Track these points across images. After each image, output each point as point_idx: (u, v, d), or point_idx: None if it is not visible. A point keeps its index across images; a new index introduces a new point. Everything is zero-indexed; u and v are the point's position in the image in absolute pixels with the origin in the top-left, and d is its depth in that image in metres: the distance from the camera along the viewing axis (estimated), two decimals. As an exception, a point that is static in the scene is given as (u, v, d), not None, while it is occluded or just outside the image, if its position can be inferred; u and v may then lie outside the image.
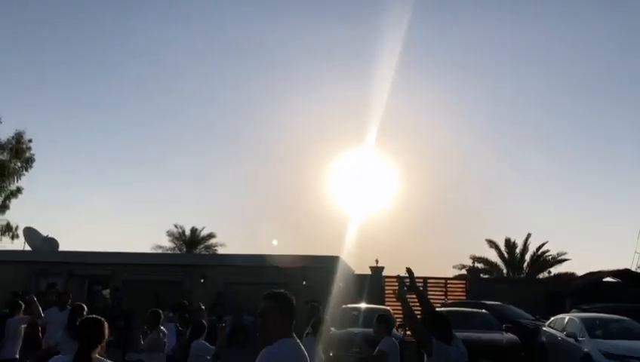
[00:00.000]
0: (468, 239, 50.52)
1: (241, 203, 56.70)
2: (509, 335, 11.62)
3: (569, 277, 25.83)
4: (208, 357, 6.50)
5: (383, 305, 18.68)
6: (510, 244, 28.10)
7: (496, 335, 11.58)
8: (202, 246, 30.53)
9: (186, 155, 58.57)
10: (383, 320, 5.73)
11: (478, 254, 28.37)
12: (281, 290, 3.27)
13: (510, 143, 54.39)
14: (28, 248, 22.08)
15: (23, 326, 6.84)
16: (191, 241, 30.32)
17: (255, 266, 17.50)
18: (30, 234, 22.53)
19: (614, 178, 52.38)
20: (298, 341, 3.17)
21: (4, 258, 19.13)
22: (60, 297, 8.60)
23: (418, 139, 57.41)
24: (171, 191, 55.14)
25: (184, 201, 53.46)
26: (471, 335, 11.46)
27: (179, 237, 30.14)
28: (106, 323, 3.35)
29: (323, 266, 17.40)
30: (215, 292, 16.44)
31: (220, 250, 29.85)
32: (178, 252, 29.29)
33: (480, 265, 28.12)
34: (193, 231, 30.44)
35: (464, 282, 23.49)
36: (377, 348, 5.64)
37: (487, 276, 27.18)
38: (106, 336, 3.29)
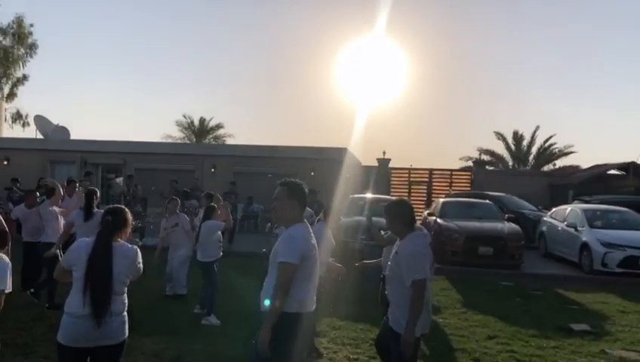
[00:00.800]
0: (476, 131, 50.54)
1: (250, 94, 56.30)
2: (511, 225, 11.98)
3: (574, 169, 26.11)
4: (219, 233, 7.03)
5: (389, 195, 19.16)
6: (518, 137, 28.09)
7: (498, 225, 11.96)
8: (211, 136, 30.77)
9: (195, 45, 57.15)
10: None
11: (485, 146, 28.53)
12: (296, 179, 3.40)
13: (523, 35, 52.41)
14: (40, 136, 22.33)
15: (59, 210, 7.17)
16: (200, 131, 30.51)
17: (264, 157, 17.77)
18: (41, 122, 22.65)
19: (626, 70, 51.01)
20: (309, 225, 3.35)
21: (20, 146, 19.42)
22: (69, 184, 9.02)
23: (429, 28, 55.28)
24: (180, 81, 54.63)
25: (193, 91, 53.17)
26: (473, 224, 11.91)
27: (188, 127, 30.31)
28: (128, 211, 3.49)
29: (331, 157, 17.61)
30: (225, 182, 16.80)
31: (229, 141, 30.18)
32: (187, 141, 29.59)
33: (486, 157, 28.37)
34: (202, 121, 30.53)
35: (469, 174, 23.82)
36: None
37: (492, 168, 27.48)
38: (128, 224, 3.41)
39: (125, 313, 3.29)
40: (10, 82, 28.70)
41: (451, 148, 51.96)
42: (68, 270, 3.25)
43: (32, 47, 29.28)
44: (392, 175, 23.30)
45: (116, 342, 3.21)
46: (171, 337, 5.61)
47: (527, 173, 25.81)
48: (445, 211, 12.78)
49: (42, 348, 5.02)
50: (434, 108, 56.79)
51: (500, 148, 28.27)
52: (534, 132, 27.53)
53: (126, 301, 3.32)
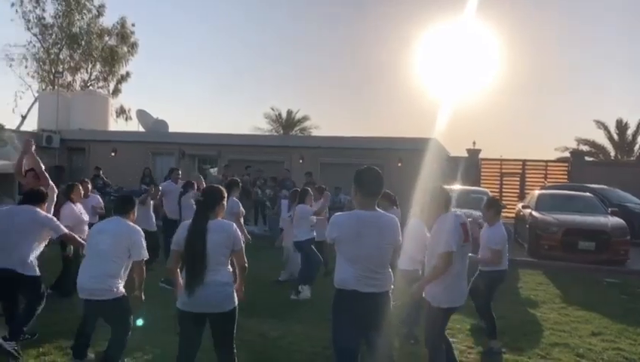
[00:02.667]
0: (573, 120, 47.53)
1: (335, 86, 56.67)
2: (615, 219, 11.28)
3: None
4: (312, 217, 7.49)
5: (479, 187, 18.67)
6: (622, 125, 26.10)
7: (601, 219, 11.30)
8: (298, 128, 31.43)
9: (283, 40, 58.44)
10: (492, 205, 5.80)
11: (583, 136, 26.81)
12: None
13: (626, 15, 48.40)
14: (141, 129, 23.93)
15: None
16: (287, 123, 31.26)
17: (351, 148, 17.89)
18: (142, 116, 24.24)
19: None
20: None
21: (125, 138, 20.95)
22: (172, 172, 10.09)
23: (522, 10, 52.59)
24: (272, 75, 56.15)
25: (280, 85, 54.44)
26: (572, 217, 11.33)
27: (275, 119, 31.16)
28: (221, 191, 3.82)
29: (418, 148, 17.40)
30: (312, 172, 17.13)
31: (314, 132, 30.64)
32: (275, 133, 30.44)
33: (585, 148, 26.66)
34: (289, 113, 31.24)
35: (566, 165, 22.51)
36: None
37: (591, 159, 25.80)
38: (220, 202, 3.75)
39: (231, 284, 3.61)
40: (115, 79, 31.00)
41: (546, 139, 49.37)
42: (178, 250, 3.62)
43: (133, 46, 31.38)
44: (483, 166, 22.58)
45: (222, 310, 3.55)
46: (274, 319, 5.92)
47: (630, 163, 23.96)
48: (542, 203, 12.26)
49: (162, 323, 5.48)
50: (528, 96, 54.14)
51: (600, 138, 26.48)
52: (641, 120, 25.46)
53: (229, 273, 3.65)
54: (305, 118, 31.39)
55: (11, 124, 25.55)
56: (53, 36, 29.39)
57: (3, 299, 4.96)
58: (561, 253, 10.78)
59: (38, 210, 4.99)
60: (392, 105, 58.79)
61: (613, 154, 26.55)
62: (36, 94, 29.02)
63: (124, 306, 4.20)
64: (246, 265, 3.77)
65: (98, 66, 30.57)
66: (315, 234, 7.50)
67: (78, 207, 6.87)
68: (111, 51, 30.04)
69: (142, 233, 4.33)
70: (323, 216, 8.11)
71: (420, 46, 51.04)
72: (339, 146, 18.09)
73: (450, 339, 5.52)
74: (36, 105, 27.28)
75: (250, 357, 4.09)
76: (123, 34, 30.47)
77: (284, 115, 31.31)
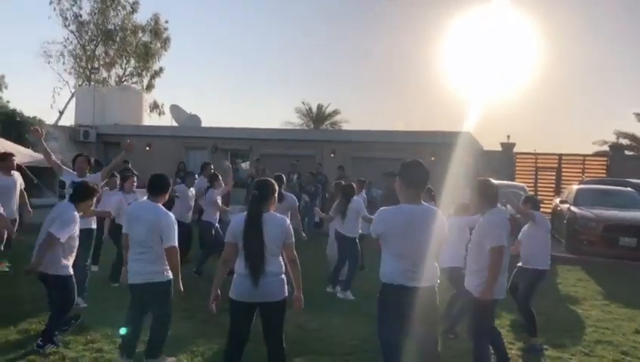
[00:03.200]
0: (612, 113, 46.16)
1: (365, 79, 56.39)
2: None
3: None
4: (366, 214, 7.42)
5: (513, 181, 18.34)
6: (664, 118, 25.21)
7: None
8: (328, 122, 31.45)
9: (313, 34, 58.49)
10: (530, 200, 5.72)
11: (623, 129, 26.02)
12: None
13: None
14: (175, 124, 24.31)
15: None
16: (317, 118, 31.30)
17: (383, 142, 17.80)
18: (176, 111, 24.64)
19: None
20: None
21: (159, 133, 21.31)
22: (204, 168, 10.31)
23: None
24: (300, 70, 56.27)
25: (312, 79, 54.51)
26: (613, 212, 11.03)
27: (306, 113, 31.22)
28: (273, 184, 3.86)
29: (452, 142, 17.19)
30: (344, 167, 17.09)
31: (345, 126, 30.62)
32: (306, 127, 30.54)
33: (625, 141, 25.88)
34: (319, 107, 31.28)
35: (605, 159, 21.91)
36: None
37: (631, 153, 25.03)
38: (272, 195, 3.78)
39: (283, 275, 3.68)
40: (148, 75, 31.61)
41: (584, 132, 48.10)
42: (233, 243, 3.67)
43: (166, 42, 31.92)
44: (517, 160, 22.16)
45: (274, 300, 3.62)
46: (313, 312, 5.93)
47: (673, 158, 23.13)
48: (580, 198, 11.97)
49: (201, 314, 5.58)
50: (565, 88, 52.85)
51: (641, 131, 25.65)
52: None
53: (282, 263, 3.71)
54: (335, 112, 31.44)
55: (50, 119, 26.41)
56: (89, 33, 30.12)
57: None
58: (600, 248, 10.53)
59: (66, 209, 4.73)
60: (423, 98, 58.19)
61: (654, 148, 25.68)
62: (73, 90, 29.81)
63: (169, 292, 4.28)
64: (297, 259, 3.80)
65: (132, 62, 31.18)
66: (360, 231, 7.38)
67: (127, 198, 7.07)
68: (145, 47, 30.60)
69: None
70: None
71: (454, 37, 50.25)
72: (371, 140, 18.02)
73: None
74: (73, 100, 28.03)
75: (290, 348, 4.12)
76: (156, 30, 31.02)
77: (314, 109, 31.41)
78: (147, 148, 20.53)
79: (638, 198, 12.01)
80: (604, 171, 21.09)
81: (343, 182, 8.20)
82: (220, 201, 8.30)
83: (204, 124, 23.21)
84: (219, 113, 56.26)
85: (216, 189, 8.32)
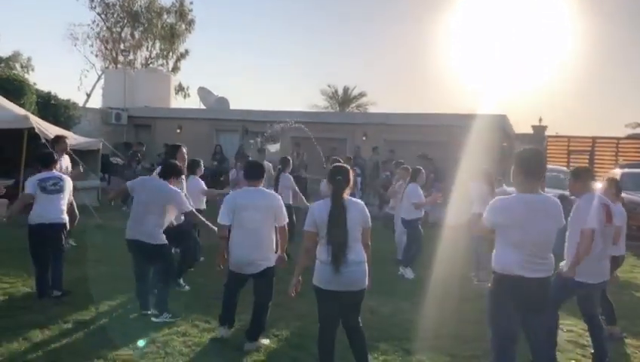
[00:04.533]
0: None
1: (392, 61, 55.80)
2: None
3: None
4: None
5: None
6: (701, 101, 24.55)
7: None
8: (354, 105, 31.27)
9: (335, 16, 57.87)
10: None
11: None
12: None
13: None
14: (202, 107, 24.34)
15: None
16: (343, 100, 31.12)
17: (416, 125, 17.62)
18: (204, 93, 24.64)
19: None
20: None
21: (190, 115, 21.37)
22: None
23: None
24: (326, 51, 55.88)
25: (338, 61, 54.10)
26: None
27: (332, 96, 31.06)
28: (350, 170, 3.86)
29: (487, 125, 16.96)
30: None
31: (371, 109, 30.41)
32: (331, 110, 30.41)
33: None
34: (345, 90, 31.07)
35: (639, 142, 21.54)
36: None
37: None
38: (351, 180, 3.77)
39: (365, 263, 3.70)
40: (174, 57, 31.61)
41: (616, 114, 47.17)
42: (314, 231, 3.71)
43: (190, 24, 31.83)
44: (549, 143, 21.86)
45: (359, 288, 3.65)
46: (385, 296, 5.94)
47: None
48: (626, 183, 11.75)
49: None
50: (597, 70, 51.78)
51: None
52: None
53: (363, 251, 3.73)
54: (361, 95, 31.22)
55: (77, 102, 26.57)
56: (115, 15, 30.12)
57: (137, 264, 5.28)
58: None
59: (167, 183, 5.15)
60: (453, 80, 57.52)
61: (689, 131, 25.11)
62: (99, 73, 29.96)
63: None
64: (369, 243, 3.81)
65: (158, 44, 31.17)
66: (422, 213, 7.54)
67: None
68: (170, 29, 30.55)
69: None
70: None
71: (484, 17, 49.34)
72: (404, 123, 17.84)
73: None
74: (100, 83, 28.19)
75: (370, 335, 4.16)
76: (181, 11, 30.91)
77: (340, 91, 31.24)
78: (178, 131, 20.60)
79: (685, 183, 11.76)
80: (639, 155, 20.73)
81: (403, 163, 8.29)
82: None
83: (232, 106, 23.21)
84: (246, 96, 56.34)
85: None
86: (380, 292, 6.14)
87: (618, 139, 21.99)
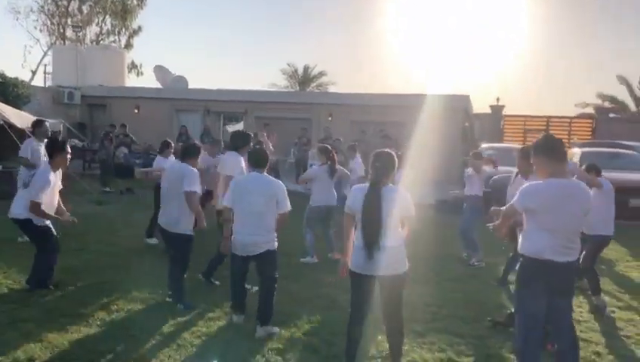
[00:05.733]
0: (595, 76, 46.99)
1: (351, 41, 55.52)
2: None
3: None
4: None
5: (502, 144, 18.62)
6: (646, 81, 25.81)
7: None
8: (314, 84, 31.00)
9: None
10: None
11: (605, 92, 26.58)
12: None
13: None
14: (159, 86, 23.51)
15: None
16: (303, 79, 30.80)
17: (382, 105, 17.66)
18: (160, 72, 23.78)
19: None
20: None
21: (147, 94, 20.52)
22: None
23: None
24: (284, 30, 54.94)
25: (297, 40, 53.36)
26: (620, 175, 11.31)
27: (292, 75, 30.67)
28: (394, 156, 3.77)
29: (452, 105, 17.24)
30: (342, 130, 16.83)
31: (331, 89, 30.26)
32: (291, 90, 30.07)
33: (606, 104, 26.48)
34: (305, 69, 30.75)
35: (590, 121, 22.44)
36: None
37: (614, 115, 25.66)
38: (393, 168, 3.73)
39: (400, 247, 3.64)
40: (127, 33, 30.31)
41: (567, 94, 49.00)
42: (352, 215, 3.68)
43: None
44: (506, 123, 22.47)
45: (396, 273, 3.60)
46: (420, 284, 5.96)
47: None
48: (587, 162, 12.23)
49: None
50: (549, 52, 53.49)
51: (622, 94, 26.25)
52: (664, 75, 25.17)
53: (402, 236, 3.69)
54: (322, 74, 30.95)
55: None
56: (61, -12, 28.51)
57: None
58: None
59: (188, 165, 5.07)
60: (410, 61, 57.92)
61: (634, 110, 26.36)
62: (45, 49, 28.42)
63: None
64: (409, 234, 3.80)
65: (109, 20, 29.78)
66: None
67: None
68: (122, 4, 29.22)
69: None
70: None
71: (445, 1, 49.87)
72: (369, 103, 17.85)
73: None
74: (46, 60, 26.73)
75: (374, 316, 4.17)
76: (133, -14, 29.60)
77: (300, 70, 30.89)
78: (136, 111, 19.86)
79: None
80: (590, 133, 21.65)
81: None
82: None
83: (191, 86, 22.56)
84: (204, 75, 54.85)
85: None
86: (417, 281, 6.21)
87: (571, 118, 22.85)
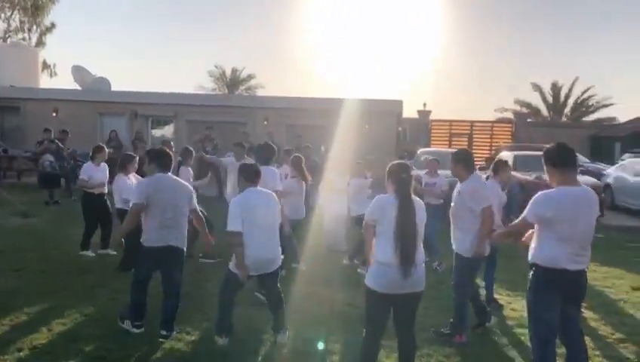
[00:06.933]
0: (512, 82, 49.98)
1: (281, 43, 55.16)
2: (587, 178, 12.04)
3: (611, 121, 25.97)
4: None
5: (430, 148, 19.21)
6: (556, 88, 27.76)
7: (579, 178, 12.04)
8: (243, 87, 30.41)
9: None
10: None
11: (521, 98, 28.28)
12: None
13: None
14: (77, 87, 22.02)
15: None
16: (232, 82, 30.11)
17: (319, 109, 17.58)
18: (79, 72, 22.20)
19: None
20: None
21: (66, 96, 19.12)
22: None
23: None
24: (212, 31, 53.49)
25: (224, 42, 52.13)
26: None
27: (219, 77, 29.89)
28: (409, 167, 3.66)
29: (385, 110, 17.51)
30: (277, 135, 16.57)
31: (260, 92, 29.83)
32: (219, 92, 29.30)
33: (522, 109, 28.18)
34: (234, 71, 30.08)
35: (510, 126, 23.73)
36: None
37: (532, 120, 27.34)
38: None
39: (423, 262, 3.51)
40: (38, 30, 28.17)
41: (488, 100, 51.75)
42: (372, 224, 3.46)
43: (54, -6, 28.53)
44: (433, 127, 23.22)
45: (420, 290, 3.47)
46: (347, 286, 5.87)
47: (568, 125, 25.63)
48: (520, 165, 12.83)
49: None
50: (471, 59, 56.23)
51: (536, 100, 28.07)
52: (573, 83, 27.23)
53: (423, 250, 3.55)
54: (250, 77, 30.40)
55: None
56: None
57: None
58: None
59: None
60: (341, 66, 58.54)
61: (547, 115, 28.26)
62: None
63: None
64: None
65: (17, 16, 27.57)
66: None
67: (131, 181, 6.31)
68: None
69: None
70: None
71: (373, 8, 50.94)
72: (306, 108, 17.70)
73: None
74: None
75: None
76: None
77: (228, 73, 30.14)
78: (54, 114, 18.42)
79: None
80: (510, 137, 22.87)
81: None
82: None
83: (114, 87, 21.33)
84: (127, 76, 52.10)
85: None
86: (340, 283, 6.09)
87: (493, 122, 24.02)
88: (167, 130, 19.86)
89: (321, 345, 4.27)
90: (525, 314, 5.25)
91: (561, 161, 3.39)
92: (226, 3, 56.22)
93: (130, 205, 4.37)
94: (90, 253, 6.98)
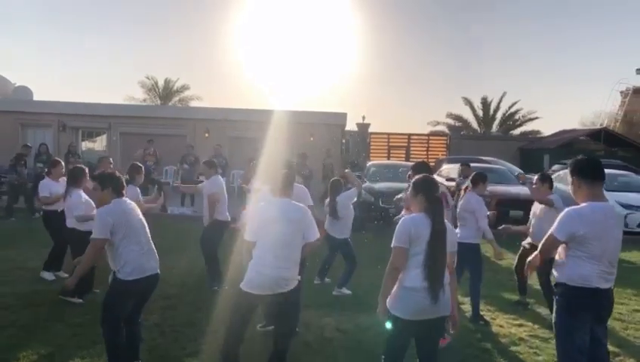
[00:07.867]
0: (445, 97, 52.02)
1: (213, 55, 53.99)
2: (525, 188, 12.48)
3: (536, 134, 27.47)
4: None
5: (369, 160, 19.37)
6: (487, 103, 28.97)
7: (521, 188, 12.42)
8: (177, 98, 29.28)
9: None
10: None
11: (454, 112, 29.27)
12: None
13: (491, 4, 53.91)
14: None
15: None
16: (165, 93, 28.91)
17: (262, 121, 17.18)
18: (-3, 81, 20.66)
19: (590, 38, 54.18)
20: None
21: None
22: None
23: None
24: (141, 41, 51.38)
25: (155, 52, 50.23)
26: (500, 188, 12.29)
27: (152, 88, 28.63)
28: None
29: (330, 122, 17.43)
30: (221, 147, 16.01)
31: (195, 103, 28.86)
32: (152, 104, 28.03)
33: (454, 122, 29.16)
34: (167, 82, 28.91)
35: (445, 138, 24.42)
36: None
37: (464, 133, 28.33)
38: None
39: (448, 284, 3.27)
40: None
41: (423, 114, 53.46)
42: (406, 248, 3.16)
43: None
44: (372, 140, 23.42)
45: (447, 314, 3.23)
46: (329, 310, 5.52)
47: (498, 137, 26.70)
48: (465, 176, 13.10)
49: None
50: (406, 74, 57.98)
51: (467, 114, 29.15)
52: (501, 98, 28.54)
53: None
54: (184, 88, 29.30)
55: None
56: None
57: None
58: (495, 222, 11.65)
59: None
60: (274, 78, 58.18)
61: (477, 129, 29.42)
62: None
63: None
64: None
65: None
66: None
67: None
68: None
69: None
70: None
71: (314, 20, 51.16)
72: (248, 119, 17.24)
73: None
74: None
75: (359, 354, 3.74)
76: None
77: (161, 83, 28.89)
78: (-32, 126, 16.85)
79: (510, 175, 13.62)
80: (445, 149, 23.54)
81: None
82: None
83: (36, 97, 19.88)
84: (50, 86, 48.68)
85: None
86: (320, 306, 5.75)
87: (428, 135, 24.60)
88: (99, 144, 18.74)
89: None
90: (515, 331, 5.31)
91: (592, 174, 3.27)
92: (153, 14, 54.46)
93: (91, 239, 3.72)
94: (49, 276, 6.46)
